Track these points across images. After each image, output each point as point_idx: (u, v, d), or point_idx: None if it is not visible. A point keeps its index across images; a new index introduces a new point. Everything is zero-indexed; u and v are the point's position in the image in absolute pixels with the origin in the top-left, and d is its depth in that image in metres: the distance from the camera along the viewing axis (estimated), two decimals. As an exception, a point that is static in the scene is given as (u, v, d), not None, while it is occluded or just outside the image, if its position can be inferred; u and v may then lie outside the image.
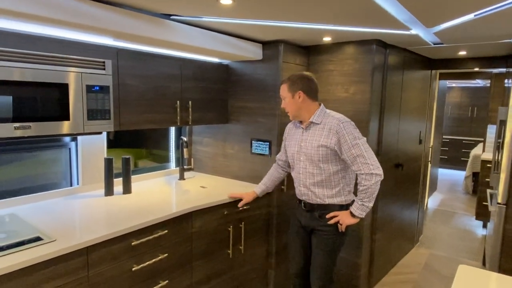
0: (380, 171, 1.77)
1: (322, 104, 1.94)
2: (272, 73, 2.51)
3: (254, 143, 2.66)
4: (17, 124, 1.56)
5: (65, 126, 1.73)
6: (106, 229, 1.68)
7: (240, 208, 2.33)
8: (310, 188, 1.91)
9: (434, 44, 2.60)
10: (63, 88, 1.70)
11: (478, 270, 1.44)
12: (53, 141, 2.26)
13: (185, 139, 2.70)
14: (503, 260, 2.50)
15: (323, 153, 1.84)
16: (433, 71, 3.76)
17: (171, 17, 1.92)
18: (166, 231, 1.93)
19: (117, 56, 1.98)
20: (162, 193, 2.38)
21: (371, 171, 1.75)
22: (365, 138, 1.82)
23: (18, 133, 1.58)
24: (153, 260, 1.86)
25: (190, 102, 2.42)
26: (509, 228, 2.47)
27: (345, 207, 1.90)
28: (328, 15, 1.80)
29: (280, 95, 1.94)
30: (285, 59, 2.49)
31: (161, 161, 3.03)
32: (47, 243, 1.51)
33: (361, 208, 1.80)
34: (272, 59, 2.51)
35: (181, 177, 2.80)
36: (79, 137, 2.30)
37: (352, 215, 1.82)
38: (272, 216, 2.62)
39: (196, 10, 1.75)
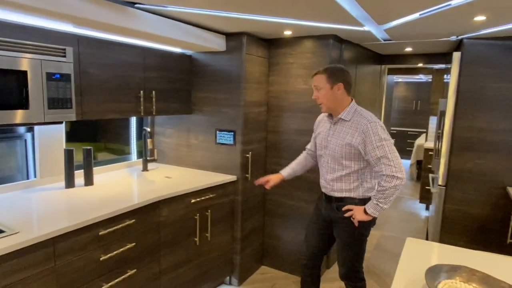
0: (402, 174, 1.73)
1: (353, 100, 1.92)
2: (235, 64, 2.58)
3: (219, 134, 2.72)
4: (-29, 112, 1.48)
5: (24, 115, 1.66)
6: (72, 220, 1.66)
7: (209, 196, 2.38)
8: (329, 182, 1.94)
9: (384, 40, 2.83)
10: (22, 75, 1.63)
11: (423, 242, 1.64)
12: (7, 132, 2.14)
13: (148, 129, 2.68)
14: (443, 234, 2.82)
15: (347, 151, 1.84)
16: (383, 66, 4.06)
17: (135, 5, 1.90)
18: (134, 220, 1.93)
19: (78, 43, 1.92)
20: (126, 184, 2.36)
21: (393, 173, 1.72)
22: (392, 140, 1.80)
23: (-28, 122, 1.50)
24: (121, 249, 1.86)
25: (153, 92, 2.41)
26: (448, 207, 2.79)
27: (362, 201, 1.88)
28: (289, 9, 1.90)
29: (314, 85, 1.89)
30: (248, 51, 2.57)
31: (121, 154, 2.97)
32: (10, 235, 1.47)
33: (375, 207, 1.77)
34: (235, 50, 2.57)
35: (145, 169, 2.78)
36: (36, 128, 2.20)
37: (366, 212, 1.80)
38: (237, 203, 2.71)
39: (162, -1, 1.76)
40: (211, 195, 2.46)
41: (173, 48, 2.63)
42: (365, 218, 1.81)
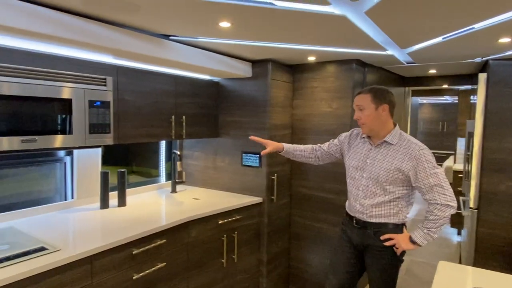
0: (455, 203, 1.67)
1: (397, 124, 1.86)
2: (261, 89, 2.68)
3: (245, 156, 2.79)
4: (23, 138, 1.62)
5: (67, 140, 1.80)
6: (107, 239, 1.74)
7: (235, 218, 2.43)
8: (367, 207, 1.82)
9: (407, 63, 2.86)
10: (67, 103, 1.78)
11: (456, 265, 1.60)
12: (49, 156, 2.30)
13: (178, 152, 2.79)
14: (477, 259, 2.70)
15: (394, 177, 1.75)
16: (406, 88, 4.06)
17: (170, 37, 2.05)
18: (165, 240, 2.00)
19: (117, 73, 2.08)
20: (156, 205, 2.45)
21: (448, 202, 1.65)
22: (442, 169, 1.75)
23: (24, 146, 1.64)
24: (152, 269, 1.92)
25: (184, 117, 2.53)
26: (481, 230, 2.69)
27: (400, 226, 1.80)
28: (313, 38, 1.99)
29: (357, 105, 1.81)
30: (273, 76, 2.67)
31: (151, 176, 3.08)
32: (52, 252, 1.56)
33: (425, 237, 1.69)
34: (261, 76, 2.68)
35: (173, 190, 2.87)
36: (75, 152, 2.35)
37: (412, 241, 1.72)
38: (263, 225, 2.73)
39: (196, 31, 1.90)
40: (237, 217, 2.50)
41: (202, 76, 2.77)
42: (411, 247, 1.73)
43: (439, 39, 2.02)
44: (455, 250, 4.11)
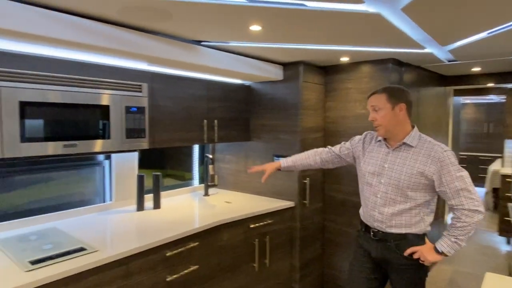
0: (483, 209, 1.56)
1: (415, 126, 1.73)
2: (292, 92, 2.65)
3: (276, 159, 2.76)
4: (65, 143, 1.71)
5: (106, 144, 1.87)
6: (142, 240, 1.78)
7: (265, 222, 2.40)
8: (387, 216, 1.68)
9: (448, 61, 2.70)
10: (106, 109, 1.86)
11: (504, 278, 1.47)
12: (89, 160, 2.41)
13: (210, 156, 2.82)
14: (530, 273, 2.48)
15: (416, 181, 1.62)
16: (448, 88, 3.84)
17: (202, 42, 2.08)
18: (197, 243, 2.02)
19: (152, 79, 2.14)
20: (190, 208, 2.49)
21: (476, 208, 1.53)
22: (467, 172, 1.62)
23: (65, 151, 1.72)
24: (185, 271, 1.94)
25: (216, 121, 2.56)
26: (534, 241, 2.47)
27: (421, 237, 1.67)
28: (347, 38, 1.94)
29: (372, 105, 1.71)
30: (305, 79, 2.63)
31: (184, 179, 3.14)
32: (91, 252, 1.62)
33: (452, 246, 1.56)
34: (292, 79, 2.65)
35: (206, 193, 2.91)
36: (113, 156, 2.44)
37: (437, 251, 1.59)
38: (295, 230, 2.68)
39: (227, 36, 1.91)
40: (269, 221, 2.48)
41: (234, 80, 2.79)
42: (438, 258, 1.60)
43: (483, 35, 1.88)
44: (504, 261, 3.81)
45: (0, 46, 1.55)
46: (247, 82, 2.89)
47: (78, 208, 2.26)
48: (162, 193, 2.74)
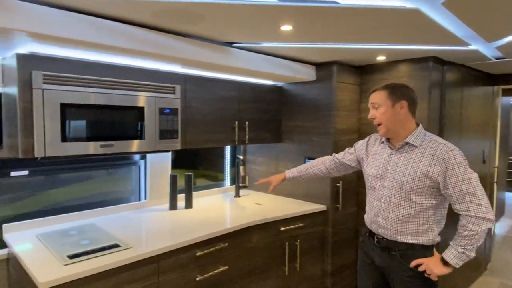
0: (493, 216, 1.43)
1: (420, 124, 1.63)
2: (325, 93, 2.58)
3: (308, 162, 2.70)
4: (102, 142, 1.78)
5: (140, 145, 1.93)
6: (174, 239, 1.82)
7: (296, 226, 2.36)
8: (391, 222, 1.60)
9: (496, 58, 2.51)
10: (141, 110, 1.92)
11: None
12: (126, 159, 2.50)
13: (241, 157, 2.83)
14: None
15: (421, 184, 1.52)
16: (495, 87, 3.57)
17: (233, 44, 2.09)
18: (227, 244, 2.02)
19: (185, 81, 2.18)
20: (220, 208, 2.50)
21: (484, 215, 1.41)
22: (477, 174, 1.49)
23: (102, 150, 1.80)
24: (215, 271, 1.95)
25: (247, 122, 2.56)
26: None
27: (430, 248, 1.57)
28: (384, 35, 1.85)
29: (372, 103, 1.63)
30: (339, 79, 2.55)
31: (216, 180, 3.17)
32: (124, 249, 1.68)
33: (459, 257, 1.44)
34: (325, 79, 2.58)
35: (237, 195, 2.91)
36: (148, 156, 2.52)
37: (445, 262, 1.47)
38: (327, 234, 2.61)
39: (258, 37, 1.90)
40: (300, 224, 2.43)
41: (265, 81, 2.77)
42: (444, 270, 1.48)
43: (537, 28, 1.72)
44: (561, 277, 3.46)
45: (43, 51, 1.64)
46: (279, 83, 2.87)
47: (115, 206, 2.35)
48: (194, 193, 2.78)
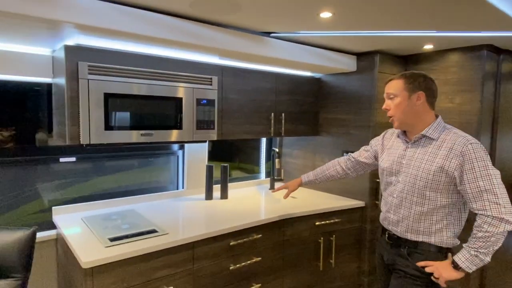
0: (507, 216, 1.30)
1: (440, 116, 1.52)
2: (366, 84, 2.47)
3: (345, 155, 2.62)
4: (143, 132, 1.84)
5: (178, 134, 1.97)
6: (208, 228, 1.84)
7: (330, 222, 2.30)
8: (403, 218, 1.52)
9: None
10: (179, 101, 1.95)
11: None
12: (165, 149, 2.58)
13: (276, 150, 2.80)
14: None
15: (435, 179, 1.41)
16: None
17: (271, 34, 2.06)
18: (260, 235, 2.02)
19: (222, 72, 2.19)
20: (255, 200, 2.50)
21: (502, 215, 1.29)
22: (499, 172, 1.36)
23: (143, 139, 1.86)
24: (248, 262, 1.96)
25: (283, 114, 2.52)
26: None
27: (443, 251, 1.45)
28: (431, 21, 1.72)
29: (388, 92, 1.53)
30: (381, 69, 2.43)
31: (251, 173, 3.18)
32: (161, 235, 1.73)
33: (472, 261, 1.32)
34: (366, 70, 2.47)
35: (272, 187, 2.90)
36: (186, 146, 2.58)
37: (456, 266, 1.35)
38: (364, 232, 2.52)
39: (296, 26, 1.85)
40: (336, 220, 2.36)
41: (303, 72, 2.71)
42: (455, 275, 1.35)
43: None
44: None
45: (88, 43, 1.72)
46: (317, 75, 2.79)
47: (154, 194, 2.44)
48: (229, 185, 2.81)
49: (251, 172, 3.18)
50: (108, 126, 1.72)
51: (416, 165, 1.47)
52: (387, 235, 1.60)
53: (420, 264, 1.44)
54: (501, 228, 1.29)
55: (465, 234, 1.48)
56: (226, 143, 3.00)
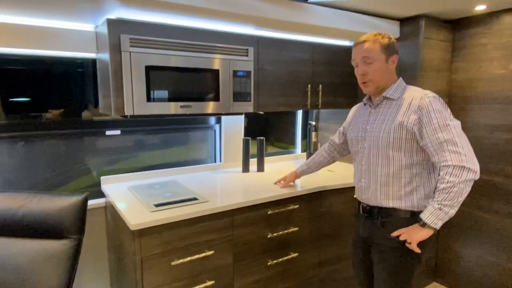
0: (476, 166, 1.26)
1: (401, 77, 1.52)
2: (410, 52, 2.34)
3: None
4: (182, 103, 1.89)
5: (215, 106, 2.00)
6: (246, 197, 1.88)
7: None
8: (371, 184, 1.50)
9: None
10: (215, 73, 1.97)
11: None
12: (203, 123, 2.63)
13: (313, 123, 2.76)
14: None
15: (396, 136, 1.40)
16: None
17: (308, 0, 1.99)
18: (298, 206, 2.03)
19: (258, 43, 2.16)
20: (292, 173, 2.50)
21: (463, 163, 1.25)
22: (459, 122, 1.34)
23: (182, 111, 1.90)
24: (286, 231, 1.99)
25: (320, 86, 2.47)
26: None
27: (417, 215, 1.39)
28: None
29: (364, 57, 1.45)
30: (427, 35, 2.28)
31: (287, 148, 3.17)
32: (202, 202, 1.79)
33: (437, 214, 1.27)
34: (410, 36, 2.33)
35: (309, 161, 2.88)
36: (223, 119, 2.61)
37: (423, 224, 1.30)
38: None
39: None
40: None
41: (342, 42, 2.61)
42: (425, 234, 1.30)
43: None
44: None
45: (129, 16, 1.76)
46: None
47: (193, 166, 2.52)
48: (266, 159, 2.82)
49: (287, 148, 3.17)
50: (149, 98, 1.78)
51: (378, 128, 1.47)
52: (361, 209, 1.59)
53: (394, 233, 1.41)
54: (463, 177, 1.25)
55: None
56: (261, 120, 3.00)
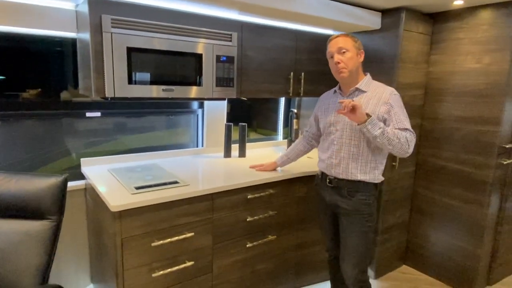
0: (412, 149, 1.66)
1: (368, 73, 1.84)
2: (390, 43, 2.39)
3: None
4: (164, 87, 1.89)
5: (197, 91, 2.00)
6: (227, 181, 1.92)
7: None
8: (342, 160, 1.76)
9: None
10: (198, 57, 1.97)
11: None
12: (186, 107, 2.63)
13: (295, 111, 2.80)
14: None
15: None
16: None
17: (292, -12, 1.99)
18: (276, 191, 2.09)
19: (242, 29, 2.16)
20: (272, 159, 2.52)
21: (409, 143, 1.63)
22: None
23: (164, 95, 1.90)
24: (264, 215, 2.05)
25: (303, 73, 2.50)
26: None
27: (376, 186, 1.78)
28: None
29: (340, 47, 1.73)
30: (407, 27, 2.34)
31: (269, 135, 3.21)
32: (182, 186, 1.82)
33: (378, 125, 1.57)
34: (391, 28, 2.38)
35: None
36: (205, 104, 2.62)
37: (368, 115, 1.57)
38: (381, 192, 2.55)
39: (317, -23, 1.79)
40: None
41: (325, 30, 2.64)
42: (358, 119, 1.57)
43: None
44: None
45: (112, -4, 1.73)
46: (339, 33, 2.70)
47: (175, 150, 2.53)
48: (247, 145, 2.84)
49: (269, 135, 3.21)
50: (131, 80, 1.77)
51: None
52: (327, 180, 1.85)
53: (341, 100, 1.60)
54: (405, 145, 1.60)
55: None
56: (245, 106, 3.02)
